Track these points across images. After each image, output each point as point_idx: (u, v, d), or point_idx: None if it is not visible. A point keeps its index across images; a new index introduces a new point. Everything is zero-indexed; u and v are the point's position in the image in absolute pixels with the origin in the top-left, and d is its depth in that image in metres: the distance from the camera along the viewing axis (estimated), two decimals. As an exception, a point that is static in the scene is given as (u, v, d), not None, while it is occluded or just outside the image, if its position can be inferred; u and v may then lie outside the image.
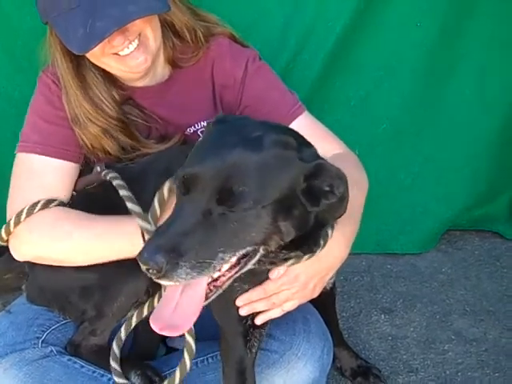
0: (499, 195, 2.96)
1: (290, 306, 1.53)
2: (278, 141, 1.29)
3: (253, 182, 1.23)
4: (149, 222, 1.49)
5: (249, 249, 1.28)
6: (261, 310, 1.52)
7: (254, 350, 1.60)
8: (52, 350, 1.67)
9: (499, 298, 2.56)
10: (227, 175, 1.22)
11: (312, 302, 1.80)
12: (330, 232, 1.43)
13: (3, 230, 1.64)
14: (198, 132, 1.85)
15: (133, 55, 1.64)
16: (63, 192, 1.71)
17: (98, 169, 1.74)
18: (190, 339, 1.56)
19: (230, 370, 1.60)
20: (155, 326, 1.25)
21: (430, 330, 2.38)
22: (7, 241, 1.66)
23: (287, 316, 1.68)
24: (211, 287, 1.30)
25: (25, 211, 1.61)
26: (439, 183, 2.83)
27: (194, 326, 1.73)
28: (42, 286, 1.74)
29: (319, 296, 1.68)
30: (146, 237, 1.48)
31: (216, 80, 1.83)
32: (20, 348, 1.64)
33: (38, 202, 1.63)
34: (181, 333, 1.28)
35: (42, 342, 1.67)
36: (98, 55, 1.63)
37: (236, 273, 1.31)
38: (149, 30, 1.64)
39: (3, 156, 2.24)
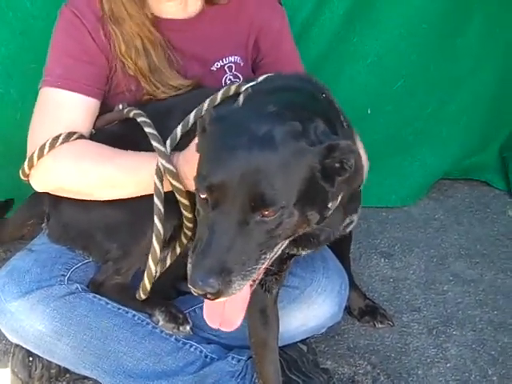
0: (489, 146, 3.04)
1: None
2: (287, 132, 1.24)
3: (280, 182, 1.20)
4: (172, 163, 1.51)
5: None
6: None
7: (273, 292, 1.62)
8: (77, 287, 1.66)
9: (492, 242, 2.64)
10: (255, 181, 1.19)
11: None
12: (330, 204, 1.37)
13: (26, 164, 1.62)
14: (225, 67, 1.83)
15: None
16: (84, 127, 1.68)
17: (120, 107, 1.71)
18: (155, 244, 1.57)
19: (252, 309, 1.60)
20: (211, 323, 1.33)
21: (428, 272, 2.44)
22: (28, 175, 1.64)
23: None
24: (251, 282, 1.30)
25: (47, 144, 1.59)
26: (437, 137, 2.87)
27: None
28: (66, 224, 1.72)
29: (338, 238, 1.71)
30: (168, 177, 1.51)
31: (255, 20, 1.84)
32: (46, 285, 1.63)
33: (60, 135, 1.60)
34: (234, 328, 1.33)
35: (68, 279, 1.66)
36: None
37: (268, 263, 1.30)
38: None
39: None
